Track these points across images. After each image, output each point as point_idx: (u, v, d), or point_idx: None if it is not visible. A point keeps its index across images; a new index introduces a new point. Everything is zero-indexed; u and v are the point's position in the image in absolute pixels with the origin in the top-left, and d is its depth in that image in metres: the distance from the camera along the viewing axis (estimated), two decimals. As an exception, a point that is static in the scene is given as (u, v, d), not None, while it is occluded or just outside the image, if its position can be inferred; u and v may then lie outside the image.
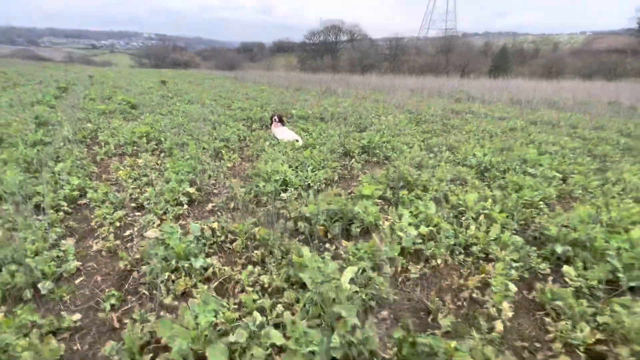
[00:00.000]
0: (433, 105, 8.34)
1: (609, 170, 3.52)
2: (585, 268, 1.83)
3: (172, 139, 4.01)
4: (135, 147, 3.95)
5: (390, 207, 2.46)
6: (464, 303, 1.64)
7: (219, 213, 2.45)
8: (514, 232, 2.23)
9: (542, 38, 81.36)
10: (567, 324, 1.43)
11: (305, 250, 1.65)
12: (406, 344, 1.18)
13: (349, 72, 37.66)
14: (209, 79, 18.97)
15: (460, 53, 46.57)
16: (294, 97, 9.98)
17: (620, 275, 1.74)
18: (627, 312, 1.40)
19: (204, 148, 3.85)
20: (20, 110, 5.54)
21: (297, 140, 4.31)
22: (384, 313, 1.57)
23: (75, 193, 2.60)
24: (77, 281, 1.75)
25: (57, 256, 1.83)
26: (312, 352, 1.13)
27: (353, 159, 3.83)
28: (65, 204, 2.44)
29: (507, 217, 2.34)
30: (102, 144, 3.97)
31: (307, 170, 3.15)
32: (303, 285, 1.57)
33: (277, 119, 4.50)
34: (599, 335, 1.36)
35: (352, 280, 1.54)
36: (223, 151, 3.90)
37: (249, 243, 2.01)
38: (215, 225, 2.13)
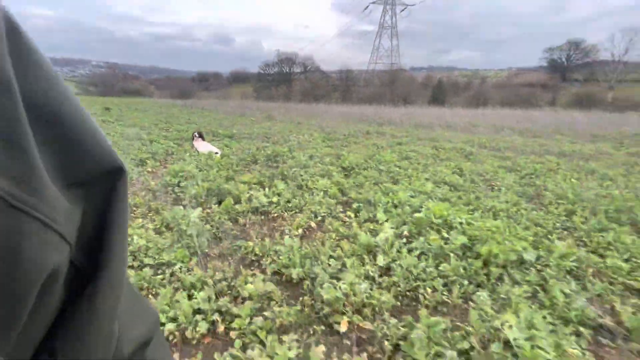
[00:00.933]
0: (352, 128, 9.84)
1: (430, 167, 4.93)
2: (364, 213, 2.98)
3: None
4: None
5: (259, 188, 3.49)
6: (278, 236, 2.66)
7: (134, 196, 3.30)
8: (337, 200, 3.35)
9: (473, 72, 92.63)
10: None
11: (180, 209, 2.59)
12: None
13: (301, 101, 39.99)
14: (158, 106, 19.42)
15: (403, 85, 51.51)
16: (233, 121, 11.01)
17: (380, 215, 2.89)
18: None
19: (132, 159, 4.65)
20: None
21: (216, 153, 5.27)
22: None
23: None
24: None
25: None
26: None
27: (257, 164, 4.86)
28: None
29: (339, 190, 3.48)
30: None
31: (211, 171, 4.11)
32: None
33: (197, 135, 5.46)
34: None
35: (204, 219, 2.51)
36: (148, 161, 4.73)
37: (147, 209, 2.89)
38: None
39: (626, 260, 2.14)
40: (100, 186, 0.27)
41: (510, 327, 1.36)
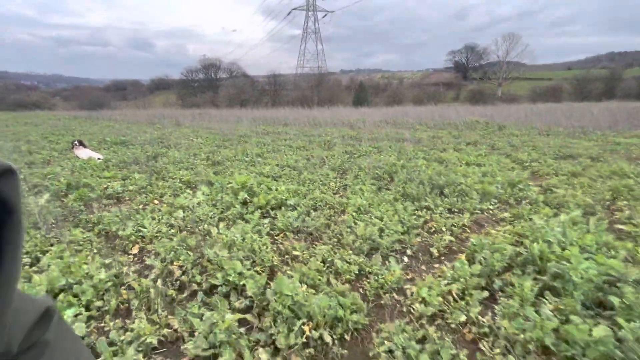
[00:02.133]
0: (253, 130, 10.78)
1: (285, 155, 6.12)
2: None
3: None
4: None
5: (121, 180, 4.20)
6: (124, 209, 3.44)
7: None
8: (187, 184, 4.22)
9: (392, 74, 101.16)
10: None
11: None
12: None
13: (227, 107, 39.64)
14: (56, 119, 17.98)
15: (327, 88, 54.14)
16: (137, 130, 11.11)
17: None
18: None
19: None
20: None
21: (98, 158, 5.72)
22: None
23: None
24: None
25: None
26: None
27: (137, 165, 5.48)
28: None
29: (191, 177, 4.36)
30: None
31: (83, 172, 4.65)
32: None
33: (77, 143, 5.85)
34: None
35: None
36: (23, 170, 5.02)
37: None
38: None
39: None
40: None
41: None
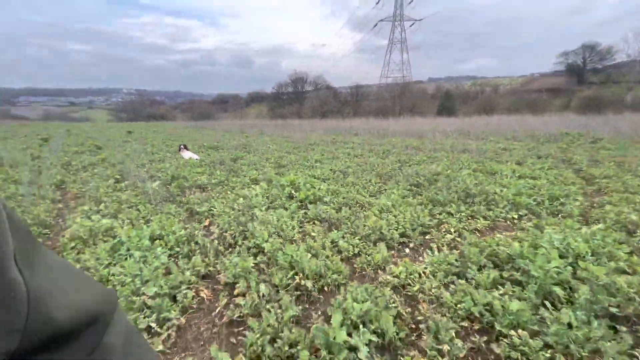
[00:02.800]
0: (325, 139, 11.75)
1: (341, 161, 6.70)
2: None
3: (123, 160, 6.94)
4: (101, 165, 6.82)
5: (207, 175, 5.44)
6: (205, 195, 4.57)
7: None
8: (254, 179, 5.21)
9: (485, 81, 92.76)
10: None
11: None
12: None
13: (310, 118, 42.42)
14: (173, 128, 22.27)
15: (410, 97, 53.04)
16: (229, 137, 13.23)
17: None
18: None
19: (137, 164, 6.76)
20: (16, 151, 8.34)
21: (196, 158, 7.32)
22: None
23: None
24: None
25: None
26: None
27: (222, 164, 6.84)
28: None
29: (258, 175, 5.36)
30: (76, 164, 6.82)
31: (185, 168, 6.13)
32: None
33: (183, 147, 7.58)
34: (233, 195, 4.33)
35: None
36: (146, 165, 6.83)
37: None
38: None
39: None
40: None
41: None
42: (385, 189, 4.52)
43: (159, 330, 1.72)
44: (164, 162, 7.22)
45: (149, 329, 1.73)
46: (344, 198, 3.99)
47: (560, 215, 3.37)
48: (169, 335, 1.72)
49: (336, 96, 60.26)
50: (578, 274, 2.03)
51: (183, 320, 1.84)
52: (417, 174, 5.15)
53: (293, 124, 21.25)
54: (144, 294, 1.93)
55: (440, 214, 3.47)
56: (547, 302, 1.77)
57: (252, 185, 4.82)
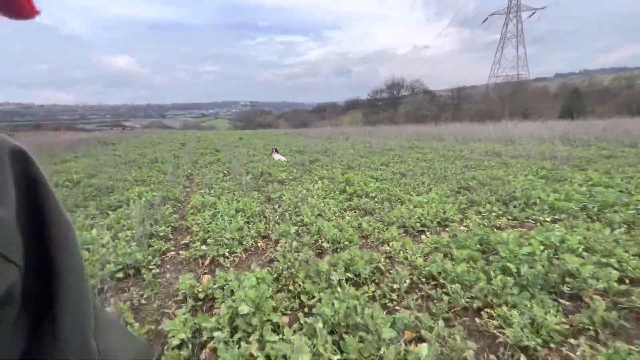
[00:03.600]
0: (401, 144, 12.10)
1: (403, 164, 7.09)
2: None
3: (231, 160, 8.99)
4: (216, 163, 9.01)
5: (286, 172, 6.74)
6: (281, 188, 5.80)
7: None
8: (321, 177, 6.24)
9: (636, 74, 73.53)
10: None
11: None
12: (250, 184, 5.53)
13: (404, 124, 41.83)
14: (274, 135, 25.55)
15: (522, 99, 46.78)
16: (314, 142, 14.79)
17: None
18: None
19: (241, 163, 8.65)
20: (165, 152, 11.46)
21: (284, 160, 8.84)
22: (259, 189, 5.86)
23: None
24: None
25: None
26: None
27: (303, 165, 8.13)
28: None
29: (327, 174, 6.39)
30: (200, 162, 9.14)
31: (273, 168, 7.62)
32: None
33: (274, 150, 9.22)
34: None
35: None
36: (246, 163, 8.65)
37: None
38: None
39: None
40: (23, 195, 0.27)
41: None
42: (431, 189, 4.93)
43: (228, 257, 2.86)
44: (259, 162, 8.98)
45: (223, 255, 2.88)
46: (389, 195, 4.63)
47: (601, 221, 3.31)
48: (233, 261, 2.83)
49: (433, 100, 57.50)
50: (553, 262, 2.33)
51: (243, 255, 2.94)
52: (475, 177, 5.33)
53: (381, 130, 21.79)
54: (224, 237, 3.11)
55: (477, 213, 3.80)
56: (500, 274, 2.20)
57: (318, 181, 5.86)
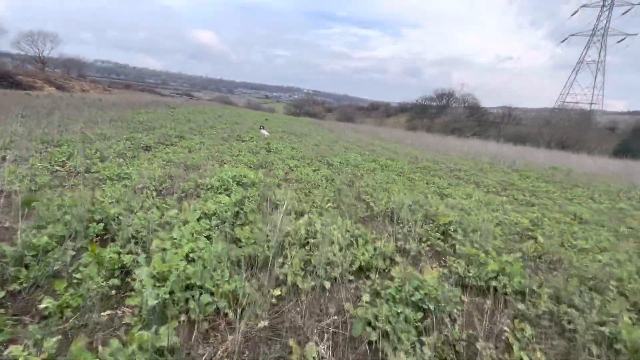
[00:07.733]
0: (415, 156, 16.59)
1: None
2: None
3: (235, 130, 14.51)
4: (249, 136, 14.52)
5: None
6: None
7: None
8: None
9: None
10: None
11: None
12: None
13: (440, 134, 44.08)
14: (306, 124, 30.87)
15: (563, 127, 46.14)
16: (316, 130, 19.73)
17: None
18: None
19: (251, 136, 14.05)
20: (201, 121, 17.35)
21: (267, 134, 14.05)
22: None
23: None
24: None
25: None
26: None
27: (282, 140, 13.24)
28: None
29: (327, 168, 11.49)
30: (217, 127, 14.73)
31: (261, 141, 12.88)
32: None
33: (262, 127, 14.52)
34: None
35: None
36: (254, 138, 13.98)
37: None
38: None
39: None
40: None
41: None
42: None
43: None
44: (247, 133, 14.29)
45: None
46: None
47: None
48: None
49: (477, 114, 58.07)
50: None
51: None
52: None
53: (409, 136, 25.47)
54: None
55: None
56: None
57: (317, 163, 10.95)
